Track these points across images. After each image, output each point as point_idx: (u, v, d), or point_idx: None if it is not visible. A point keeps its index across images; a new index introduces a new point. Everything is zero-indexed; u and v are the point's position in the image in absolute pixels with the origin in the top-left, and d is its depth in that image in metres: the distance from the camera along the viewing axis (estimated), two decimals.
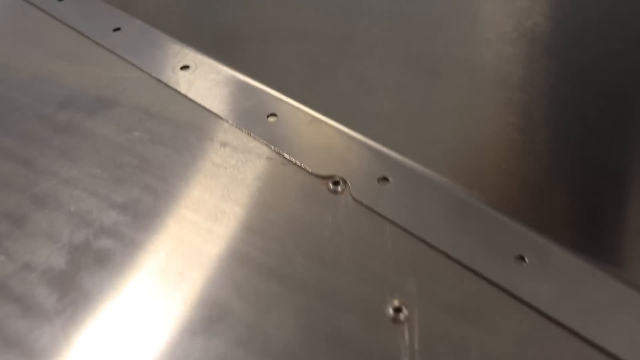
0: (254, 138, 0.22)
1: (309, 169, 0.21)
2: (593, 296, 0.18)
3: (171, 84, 0.25)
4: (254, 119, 0.23)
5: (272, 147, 0.22)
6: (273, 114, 0.23)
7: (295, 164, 0.21)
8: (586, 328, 0.18)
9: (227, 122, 0.23)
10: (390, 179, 0.21)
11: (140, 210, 0.20)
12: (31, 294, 0.18)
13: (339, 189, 0.21)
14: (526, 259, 0.19)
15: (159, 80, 0.25)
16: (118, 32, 0.28)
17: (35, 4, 0.31)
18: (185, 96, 0.24)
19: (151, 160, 0.22)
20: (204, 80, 0.25)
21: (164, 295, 0.18)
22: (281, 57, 0.26)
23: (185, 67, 0.26)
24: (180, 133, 0.23)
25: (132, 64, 0.26)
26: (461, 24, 0.25)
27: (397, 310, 0.17)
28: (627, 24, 0.24)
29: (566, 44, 0.23)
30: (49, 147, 0.23)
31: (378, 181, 0.21)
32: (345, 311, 0.17)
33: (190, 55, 0.26)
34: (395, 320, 0.17)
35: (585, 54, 0.22)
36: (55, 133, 0.23)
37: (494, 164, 0.21)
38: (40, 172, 0.22)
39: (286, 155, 0.22)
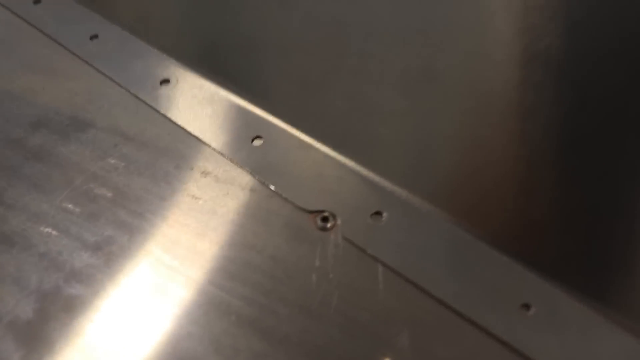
0: (238, 166, 0.21)
1: (296, 202, 0.20)
2: (603, 351, 0.17)
3: (150, 102, 0.23)
4: (238, 143, 0.22)
5: (257, 176, 0.20)
6: (258, 137, 0.22)
7: (281, 196, 0.20)
8: None
9: (209, 146, 0.21)
10: (385, 213, 0.19)
11: (113, 251, 0.19)
12: None
13: (328, 225, 0.19)
14: (531, 308, 0.17)
15: (137, 97, 0.23)
16: (95, 40, 0.26)
17: (9, 8, 0.29)
18: (165, 116, 0.23)
19: (126, 192, 0.20)
20: (185, 97, 0.23)
21: (137, 347, 0.17)
22: (268, 72, 0.24)
23: (165, 81, 0.24)
24: (159, 161, 0.21)
25: (109, 78, 0.24)
26: (467, 42, 0.22)
27: None
28: None
29: (582, 69, 0.21)
30: (18, 176, 0.21)
31: (371, 216, 0.19)
32: None
33: (171, 68, 0.24)
34: None
35: (604, 82, 0.20)
36: (25, 160, 0.22)
37: (499, 199, 0.20)
38: (9, 206, 0.20)
39: (271, 187, 0.20)
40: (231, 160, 0.21)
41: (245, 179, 0.20)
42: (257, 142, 0.22)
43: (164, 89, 0.24)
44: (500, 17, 0.22)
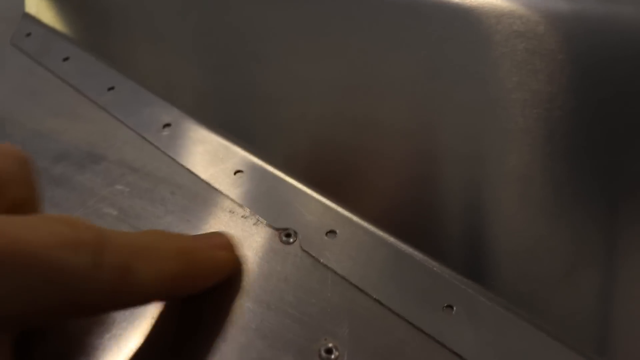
0: (221, 192, 0.25)
1: (265, 221, 0.24)
2: (514, 345, 0.20)
3: (153, 141, 0.28)
4: (222, 174, 0.26)
5: (236, 201, 0.25)
6: (240, 170, 0.26)
7: (254, 216, 0.24)
8: None
9: (199, 177, 0.26)
10: (338, 231, 0.23)
11: None
12: None
13: (291, 240, 0.23)
14: (454, 308, 0.21)
15: (143, 138, 0.28)
16: (112, 90, 0.31)
17: (42, 64, 0.34)
18: (165, 153, 0.27)
19: (129, 211, 0.25)
20: (182, 137, 0.28)
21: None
22: (250, 119, 0.29)
23: (167, 125, 0.29)
24: (157, 187, 0.26)
25: (121, 122, 0.29)
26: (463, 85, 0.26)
27: (329, 351, 0.20)
28: None
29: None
30: (42, 198, 0.26)
31: (326, 234, 0.23)
32: (282, 350, 0.20)
33: (172, 114, 0.29)
34: None
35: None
36: (48, 184, 0.26)
37: (436, 221, 0.24)
38: None
39: (247, 210, 0.24)
40: (216, 189, 0.25)
41: (226, 202, 0.25)
42: (238, 175, 0.26)
43: (166, 131, 0.29)
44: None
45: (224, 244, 0.21)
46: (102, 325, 0.20)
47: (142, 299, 0.18)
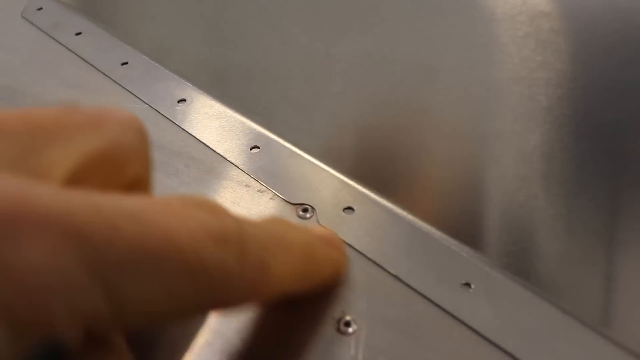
0: (237, 167, 0.25)
1: (282, 196, 0.24)
2: (531, 322, 0.20)
3: (168, 116, 0.28)
4: (238, 149, 0.26)
5: (252, 175, 0.25)
6: (256, 147, 0.26)
7: (271, 191, 0.24)
8: (521, 350, 0.19)
9: (214, 151, 0.26)
10: (356, 208, 0.23)
11: None
12: None
13: (308, 215, 0.23)
14: (472, 286, 0.21)
15: (157, 112, 0.28)
16: (125, 65, 0.31)
17: (55, 38, 0.34)
18: (180, 127, 0.27)
19: None
20: (197, 113, 0.28)
21: None
22: (267, 95, 0.29)
23: (182, 100, 0.29)
24: (171, 160, 0.25)
25: (135, 96, 0.29)
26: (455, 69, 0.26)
27: (347, 324, 0.19)
28: None
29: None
30: None
31: (343, 210, 0.23)
32: (301, 322, 0.19)
33: (187, 90, 0.29)
34: (344, 333, 0.19)
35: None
36: None
37: (454, 201, 0.24)
38: None
39: (263, 184, 0.24)
40: (232, 163, 0.25)
41: (242, 177, 0.25)
42: (254, 151, 0.26)
43: (181, 106, 0.28)
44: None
45: (336, 243, 0.20)
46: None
47: (271, 297, 0.17)
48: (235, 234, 0.14)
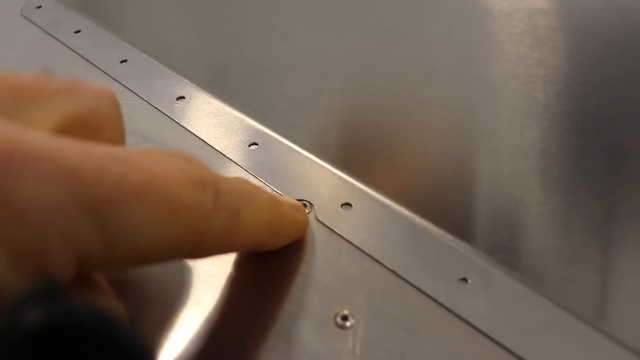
0: (236, 163, 0.25)
1: (280, 192, 0.24)
2: (528, 316, 0.20)
3: (167, 113, 0.28)
4: (237, 146, 0.26)
5: (250, 172, 0.25)
6: (255, 143, 0.26)
7: (269, 187, 0.24)
8: (518, 345, 0.20)
9: (213, 148, 0.26)
10: (353, 204, 0.23)
11: None
12: None
13: (306, 210, 0.23)
14: (469, 281, 0.21)
15: (156, 109, 0.28)
16: (124, 63, 0.31)
17: (54, 36, 0.34)
18: (179, 123, 0.27)
19: None
20: (196, 110, 0.28)
21: None
22: (265, 92, 0.29)
23: (181, 98, 0.29)
24: None
25: (134, 93, 0.29)
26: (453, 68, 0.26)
27: (344, 318, 0.20)
28: None
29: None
30: None
31: (341, 206, 0.23)
32: (298, 316, 0.20)
33: (186, 88, 0.29)
34: (342, 327, 0.19)
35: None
36: None
37: (451, 197, 0.24)
38: None
39: (262, 180, 0.24)
40: (230, 159, 0.25)
41: (241, 173, 0.25)
42: (253, 147, 0.26)
43: (180, 104, 0.28)
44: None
45: (298, 206, 0.22)
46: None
47: (243, 246, 0.18)
48: (211, 180, 0.15)
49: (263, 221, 0.18)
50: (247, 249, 0.20)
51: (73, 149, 0.12)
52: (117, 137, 0.18)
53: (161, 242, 0.14)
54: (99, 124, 0.16)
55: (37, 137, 0.12)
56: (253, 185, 0.19)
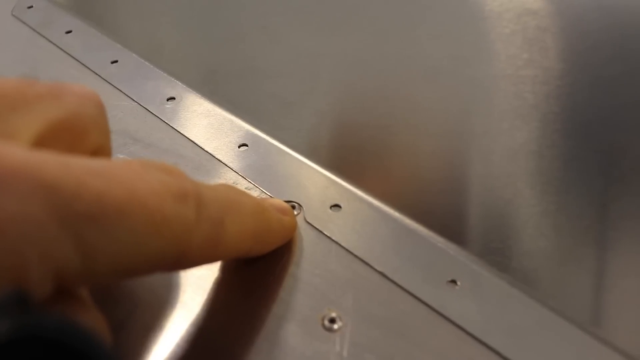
0: (225, 164, 0.25)
1: (269, 193, 0.24)
2: (517, 319, 0.20)
3: (157, 114, 0.28)
4: (227, 147, 0.26)
5: (240, 173, 0.25)
6: (244, 144, 0.26)
7: (259, 188, 0.24)
8: (507, 347, 0.19)
9: (203, 149, 0.26)
10: (342, 206, 0.23)
11: None
12: None
13: (295, 212, 0.23)
14: (458, 283, 0.21)
15: (147, 110, 0.28)
16: (115, 64, 0.31)
17: (45, 36, 0.34)
18: (168, 124, 0.27)
19: None
20: (186, 111, 0.28)
21: None
22: (255, 94, 0.29)
23: (171, 99, 0.29)
24: (160, 158, 0.25)
25: (125, 94, 0.29)
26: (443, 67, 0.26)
27: (332, 321, 0.19)
28: None
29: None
30: None
31: (330, 207, 0.23)
32: (285, 318, 0.19)
33: (176, 88, 0.29)
34: (330, 329, 0.19)
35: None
36: None
37: (441, 200, 0.24)
38: None
39: (251, 181, 0.24)
40: (220, 161, 0.25)
41: (230, 174, 0.25)
42: (242, 148, 0.26)
43: (170, 104, 0.28)
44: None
45: (286, 208, 0.21)
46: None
47: (229, 255, 0.18)
48: (193, 192, 0.15)
49: (248, 229, 0.18)
50: (234, 257, 0.20)
51: (52, 163, 0.12)
52: (102, 140, 0.18)
53: (143, 257, 0.14)
54: (84, 128, 0.16)
55: (15, 152, 0.12)
56: (238, 192, 0.18)
